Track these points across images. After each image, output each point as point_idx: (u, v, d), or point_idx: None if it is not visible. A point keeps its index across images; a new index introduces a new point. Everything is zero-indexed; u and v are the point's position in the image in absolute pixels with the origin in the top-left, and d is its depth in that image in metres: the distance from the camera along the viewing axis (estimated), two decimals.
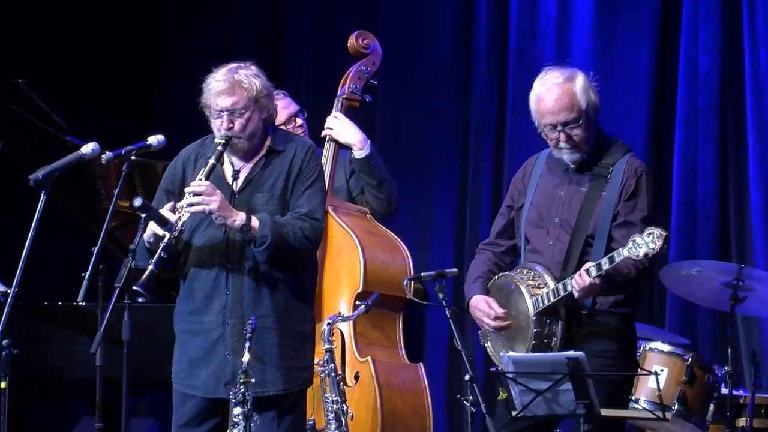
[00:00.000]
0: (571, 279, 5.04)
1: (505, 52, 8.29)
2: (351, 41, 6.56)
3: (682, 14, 7.83)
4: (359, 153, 6.36)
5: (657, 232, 4.91)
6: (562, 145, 5.21)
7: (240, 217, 5.01)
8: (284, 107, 6.35)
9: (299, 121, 6.42)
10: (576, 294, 5.04)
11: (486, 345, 5.37)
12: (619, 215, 5.16)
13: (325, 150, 6.38)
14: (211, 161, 5.06)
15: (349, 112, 6.51)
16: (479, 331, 5.41)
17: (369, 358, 6.06)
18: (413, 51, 8.52)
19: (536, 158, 5.45)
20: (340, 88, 6.53)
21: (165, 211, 5.02)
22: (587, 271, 5.00)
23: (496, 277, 5.34)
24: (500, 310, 5.23)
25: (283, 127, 6.16)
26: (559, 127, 5.18)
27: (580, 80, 5.21)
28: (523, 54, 8.22)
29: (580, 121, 5.17)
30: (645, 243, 4.91)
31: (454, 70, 8.45)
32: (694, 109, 7.76)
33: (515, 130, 8.19)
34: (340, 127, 6.40)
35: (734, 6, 7.71)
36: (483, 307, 5.27)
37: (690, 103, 7.78)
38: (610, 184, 5.20)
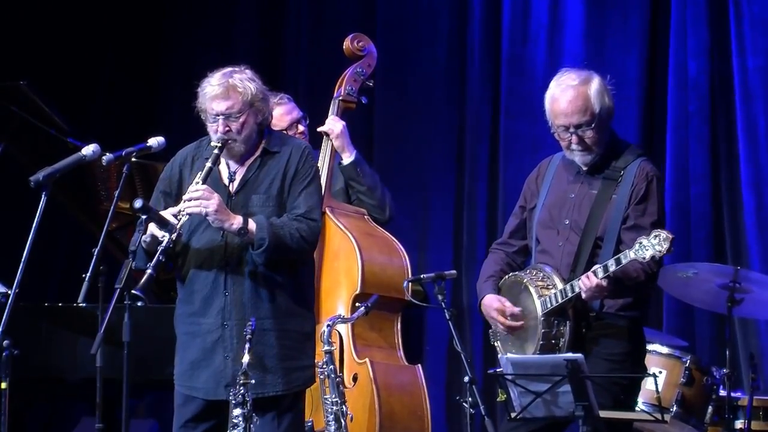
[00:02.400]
0: (579, 280, 5.06)
1: (498, 57, 8.35)
2: (346, 44, 6.60)
3: (670, 20, 7.90)
4: (348, 159, 6.41)
5: (663, 234, 4.91)
6: (573, 146, 5.21)
7: (237, 221, 5.02)
8: (287, 113, 6.38)
9: (301, 128, 6.43)
10: (583, 295, 5.05)
11: (496, 344, 5.37)
12: (629, 219, 5.16)
13: (323, 147, 6.40)
14: (208, 164, 5.07)
15: (346, 114, 6.54)
16: (490, 330, 5.42)
17: (367, 359, 6.07)
18: (411, 55, 8.56)
19: (550, 160, 5.45)
20: (336, 90, 6.57)
21: (165, 213, 5.03)
22: (594, 273, 5.01)
23: (506, 276, 5.35)
24: (515, 309, 5.24)
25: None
26: (572, 129, 5.18)
27: (595, 83, 5.21)
28: (515, 59, 8.28)
29: (593, 124, 5.17)
30: (652, 245, 4.91)
31: (450, 74, 8.49)
32: (684, 112, 7.82)
33: (509, 134, 8.24)
34: (340, 130, 6.42)
35: (721, 12, 7.78)
36: (497, 305, 5.27)
37: (680, 107, 7.84)
38: (621, 187, 5.20)
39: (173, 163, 5.31)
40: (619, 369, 5.13)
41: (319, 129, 6.49)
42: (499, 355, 5.20)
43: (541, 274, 5.22)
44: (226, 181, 5.19)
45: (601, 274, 5.00)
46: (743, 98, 7.68)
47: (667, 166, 7.79)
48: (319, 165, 6.23)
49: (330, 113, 6.53)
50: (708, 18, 7.80)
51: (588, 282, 5.01)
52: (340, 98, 6.54)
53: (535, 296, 5.18)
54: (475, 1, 8.41)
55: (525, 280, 5.23)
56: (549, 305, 5.14)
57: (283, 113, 6.37)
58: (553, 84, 5.28)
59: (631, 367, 5.18)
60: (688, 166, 7.80)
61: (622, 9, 8.08)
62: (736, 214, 7.69)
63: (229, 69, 5.17)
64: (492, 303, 5.31)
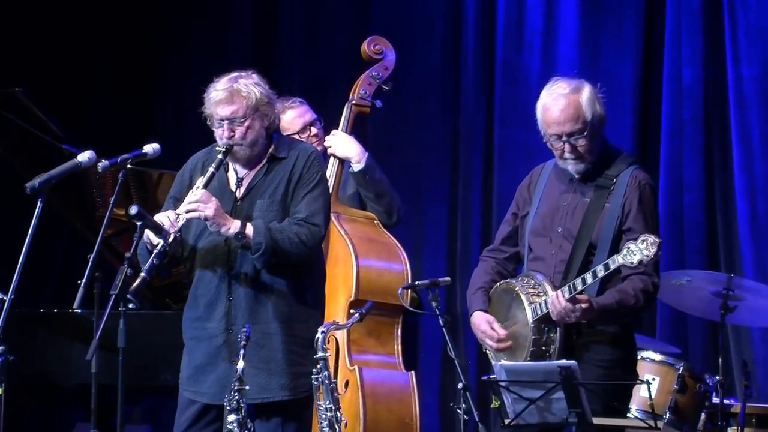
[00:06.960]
0: (566, 287, 5.08)
1: (492, 65, 8.33)
2: (363, 47, 6.56)
3: (665, 28, 7.89)
4: (356, 166, 6.39)
5: (651, 239, 4.93)
6: (566, 155, 5.22)
7: (234, 225, 5.04)
8: (299, 115, 6.37)
9: (314, 130, 6.41)
10: (554, 317, 5.08)
11: (487, 350, 5.39)
12: (632, 230, 5.14)
13: (329, 164, 6.39)
14: (211, 169, 5.10)
15: (359, 118, 6.52)
16: None
17: (356, 366, 6.07)
18: (405, 62, 8.51)
19: (542, 167, 5.46)
20: (351, 94, 6.54)
21: (161, 218, 5.05)
22: (571, 289, 5.05)
23: (498, 284, 5.36)
24: (502, 332, 5.25)
25: (296, 136, 6.19)
26: (564, 138, 5.19)
27: (586, 92, 5.22)
28: (509, 66, 8.26)
29: (585, 132, 5.18)
30: (639, 250, 4.92)
31: (444, 82, 8.48)
32: (678, 121, 7.82)
33: (503, 142, 8.23)
34: (337, 142, 6.40)
35: (716, 20, 7.77)
36: (485, 327, 5.28)
37: (675, 115, 7.83)
38: (614, 195, 5.21)
39: (184, 169, 5.34)
40: (611, 375, 5.13)
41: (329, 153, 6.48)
42: (492, 362, 5.21)
43: (533, 282, 5.23)
44: (233, 186, 5.22)
45: (589, 280, 5.03)
46: (737, 107, 7.67)
47: (661, 174, 7.79)
48: (328, 168, 6.25)
49: (342, 117, 6.51)
50: (703, 26, 7.78)
51: (558, 304, 5.04)
52: (353, 102, 6.51)
53: (525, 303, 5.19)
54: (469, 8, 8.38)
55: (517, 288, 5.24)
56: (539, 312, 5.16)
57: (295, 116, 6.36)
58: (544, 93, 5.28)
59: (622, 373, 5.18)
60: (682, 175, 7.79)
61: (616, 16, 8.05)
62: (730, 223, 7.69)
63: (235, 74, 5.19)
64: (480, 324, 5.32)
